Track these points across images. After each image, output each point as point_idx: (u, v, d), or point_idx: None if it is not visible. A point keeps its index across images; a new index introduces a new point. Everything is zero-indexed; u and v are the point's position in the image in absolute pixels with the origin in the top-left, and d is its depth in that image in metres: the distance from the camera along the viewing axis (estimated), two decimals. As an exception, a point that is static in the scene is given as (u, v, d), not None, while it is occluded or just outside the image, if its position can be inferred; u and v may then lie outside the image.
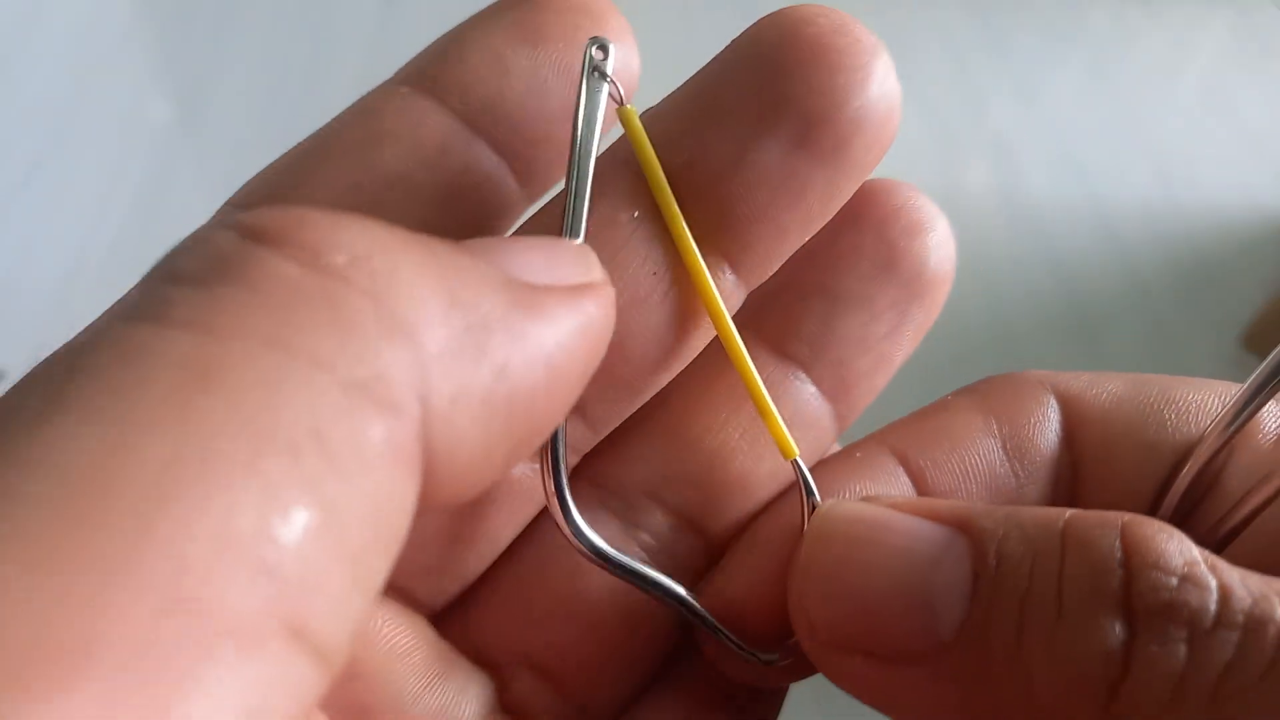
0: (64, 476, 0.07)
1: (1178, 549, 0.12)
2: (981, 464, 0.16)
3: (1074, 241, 0.68)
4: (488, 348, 0.10)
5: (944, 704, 0.13)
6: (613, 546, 0.16)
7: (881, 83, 0.14)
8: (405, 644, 0.15)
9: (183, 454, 0.07)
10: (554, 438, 0.15)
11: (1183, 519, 0.15)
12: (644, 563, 0.16)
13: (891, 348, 0.17)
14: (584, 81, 0.15)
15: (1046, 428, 0.16)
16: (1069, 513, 0.13)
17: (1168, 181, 0.73)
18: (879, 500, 0.14)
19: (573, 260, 0.12)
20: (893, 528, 0.14)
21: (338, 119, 0.16)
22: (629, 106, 0.15)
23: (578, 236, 0.14)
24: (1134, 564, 0.12)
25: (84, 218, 0.69)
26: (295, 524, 0.07)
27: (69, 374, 0.08)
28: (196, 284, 0.09)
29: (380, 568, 0.09)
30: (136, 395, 0.07)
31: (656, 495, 0.16)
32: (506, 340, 0.10)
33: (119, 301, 0.09)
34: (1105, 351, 0.62)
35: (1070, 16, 0.89)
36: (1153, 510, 0.16)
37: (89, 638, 0.06)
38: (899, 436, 0.17)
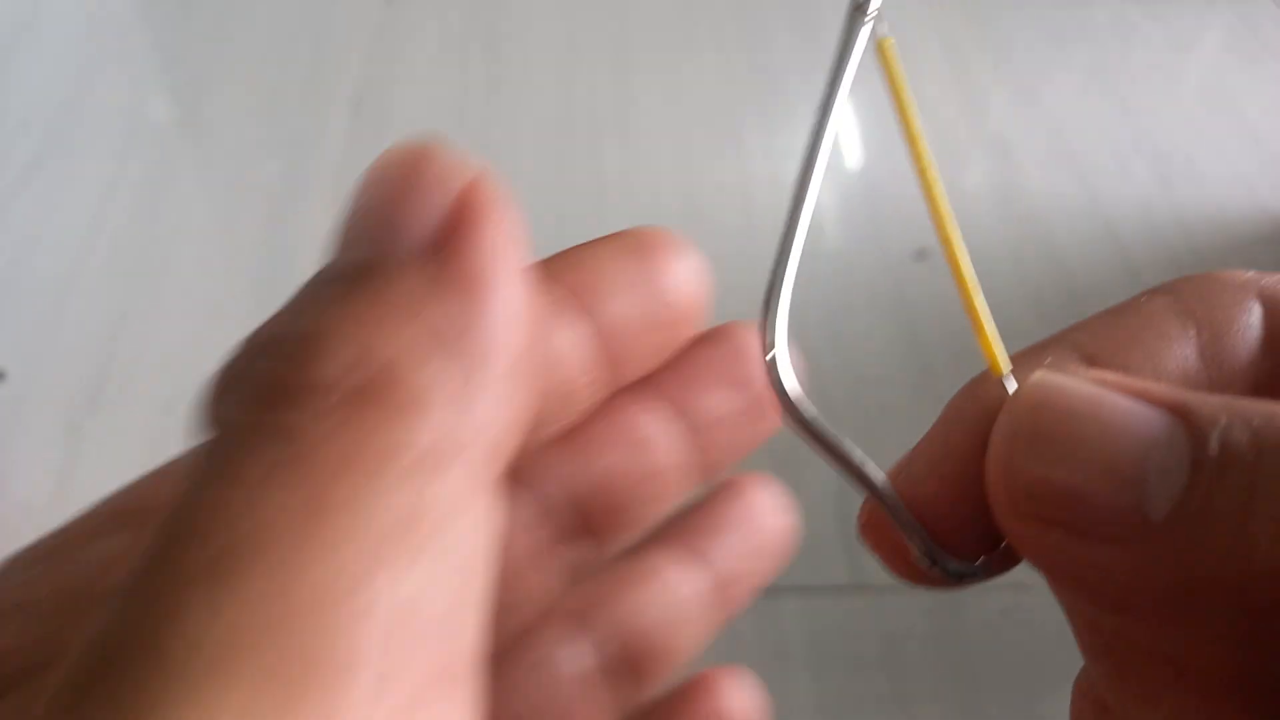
0: (262, 599, 0.09)
1: None
2: (1178, 373, 0.16)
3: (1074, 241, 0.68)
4: None
5: (1141, 585, 0.13)
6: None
7: None
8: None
9: (345, 555, 0.10)
10: (773, 285, 0.15)
11: None
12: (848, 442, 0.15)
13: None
14: (848, 22, 0.16)
15: (1249, 334, 0.16)
16: None
17: (1167, 181, 0.73)
18: (1094, 375, 0.14)
19: None
20: (1108, 404, 0.13)
21: None
22: (889, 38, 0.16)
23: (822, 154, 0.16)
24: None
25: (84, 218, 0.69)
26: (439, 584, 0.10)
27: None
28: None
29: (490, 576, 0.11)
30: (284, 521, 0.10)
31: None
32: None
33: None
34: (1105, 351, 0.62)
35: (1070, 16, 0.89)
36: None
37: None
38: (1091, 337, 0.16)
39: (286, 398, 0.10)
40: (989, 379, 0.16)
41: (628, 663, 0.17)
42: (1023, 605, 0.50)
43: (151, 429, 0.57)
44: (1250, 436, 0.13)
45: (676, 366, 0.18)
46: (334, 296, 0.11)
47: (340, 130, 0.74)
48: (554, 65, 0.81)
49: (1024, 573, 0.18)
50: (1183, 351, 0.16)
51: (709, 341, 0.18)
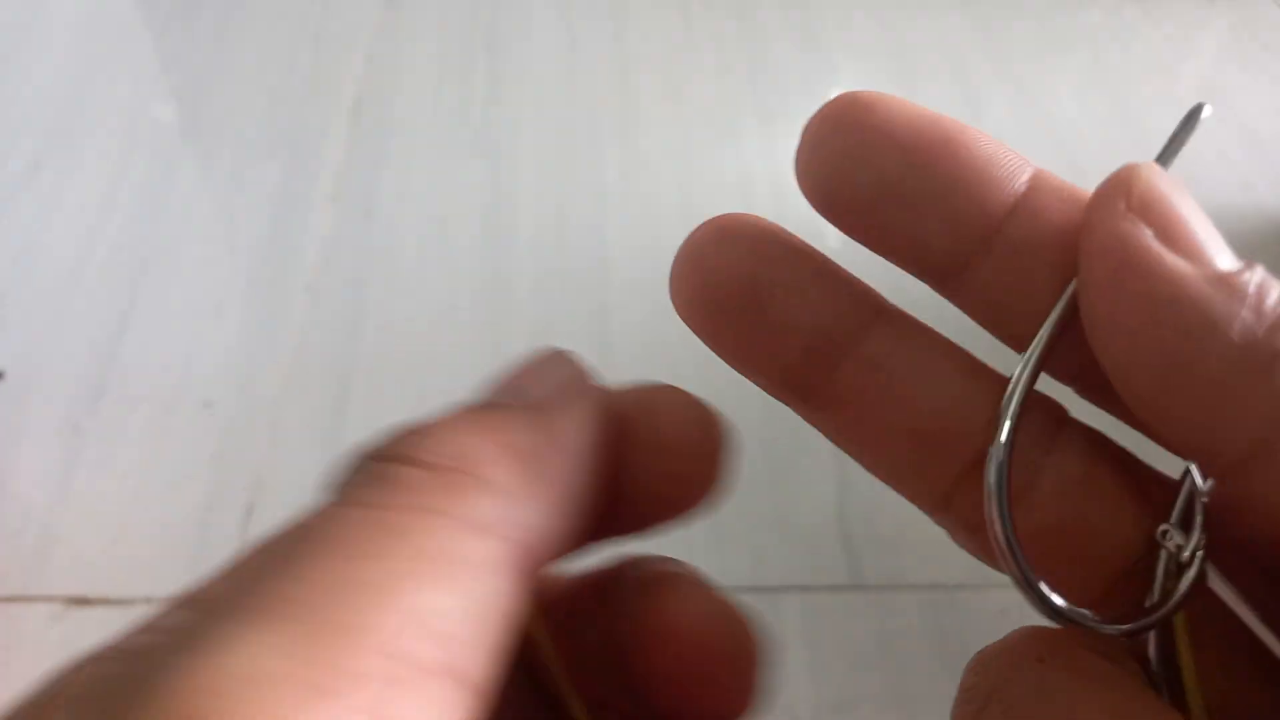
0: (316, 581, 0.12)
1: None
2: None
3: (1073, 241, 0.68)
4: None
5: None
6: None
7: None
8: None
9: (385, 566, 0.12)
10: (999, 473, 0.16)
11: None
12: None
13: None
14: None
15: None
16: None
17: (1167, 181, 0.73)
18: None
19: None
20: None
21: None
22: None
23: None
24: None
25: (84, 218, 0.69)
26: (449, 605, 0.13)
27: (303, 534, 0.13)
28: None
29: (502, 630, 0.13)
30: (350, 538, 0.13)
31: None
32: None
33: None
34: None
35: (1068, 16, 0.89)
36: None
37: (336, 676, 0.11)
38: None
39: (393, 459, 0.14)
40: None
41: None
42: (1022, 605, 0.50)
43: (151, 429, 0.57)
44: None
45: None
46: (455, 419, 0.15)
47: (340, 131, 0.74)
48: (554, 66, 0.81)
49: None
50: None
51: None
